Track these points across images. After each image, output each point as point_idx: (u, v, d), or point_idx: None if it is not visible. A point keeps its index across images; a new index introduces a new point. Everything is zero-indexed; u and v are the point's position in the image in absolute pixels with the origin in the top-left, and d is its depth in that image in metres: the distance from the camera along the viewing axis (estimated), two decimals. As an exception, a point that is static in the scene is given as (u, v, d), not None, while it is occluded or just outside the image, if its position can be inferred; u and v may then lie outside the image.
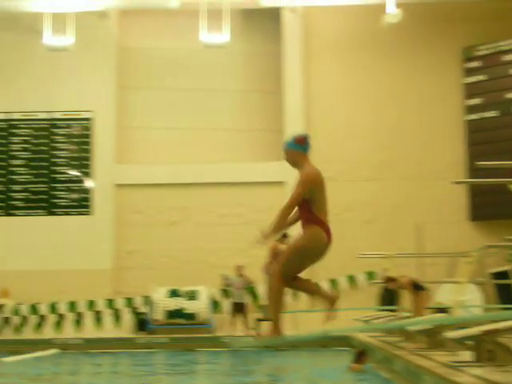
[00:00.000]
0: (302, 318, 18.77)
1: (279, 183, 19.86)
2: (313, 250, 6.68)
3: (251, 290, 19.23)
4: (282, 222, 6.69)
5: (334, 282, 20.20)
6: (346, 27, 21.28)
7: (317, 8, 20.84)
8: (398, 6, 19.17)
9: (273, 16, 21.08)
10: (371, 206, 20.70)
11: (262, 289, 18.92)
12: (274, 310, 6.74)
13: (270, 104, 21.33)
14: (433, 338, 9.56)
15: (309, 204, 6.69)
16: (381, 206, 20.69)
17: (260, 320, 17.98)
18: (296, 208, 6.84)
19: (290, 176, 20.27)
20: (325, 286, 20.14)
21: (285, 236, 15.79)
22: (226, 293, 19.51)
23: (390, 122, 21.03)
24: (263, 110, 21.38)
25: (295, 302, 19.58)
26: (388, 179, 20.80)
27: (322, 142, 20.75)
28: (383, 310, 16.08)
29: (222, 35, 19.59)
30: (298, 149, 6.89)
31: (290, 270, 6.68)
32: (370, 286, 19.73)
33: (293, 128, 20.29)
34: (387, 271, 17.99)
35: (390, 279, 13.01)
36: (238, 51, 21.34)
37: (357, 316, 16.11)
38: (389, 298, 16.51)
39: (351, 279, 20.24)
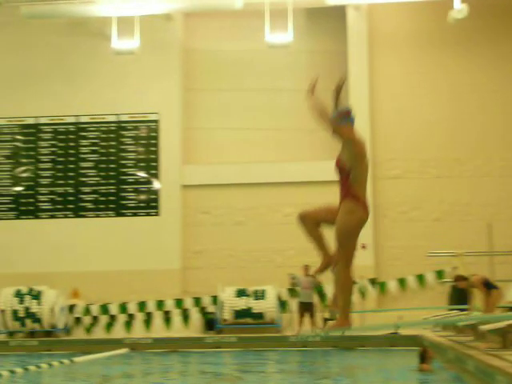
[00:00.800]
0: (368, 317, 18.65)
1: (345, 182, 19.74)
2: (355, 226, 6.61)
3: (318, 290, 19.17)
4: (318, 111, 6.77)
5: (402, 282, 19.97)
6: (410, 24, 21.03)
7: (382, 5, 20.65)
8: (464, 1, 18.82)
9: (337, 14, 20.97)
10: (440, 203, 20.41)
11: (329, 289, 18.86)
12: (345, 300, 6.70)
13: (336, 102, 21.16)
14: (505, 337, 9.38)
15: (348, 176, 6.63)
16: (449, 204, 20.38)
17: (327, 319, 17.90)
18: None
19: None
20: (393, 285, 19.95)
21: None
22: (293, 292, 19.48)
23: (458, 119, 20.70)
24: (329, 108, 21.21)
25: (363, 301, 19.48)
26: (457, 177, 20.47)
27: (388, 140, 20.61)
28: (453, 309, 15.86)
29: (286, 35, 19.55)
30: (343, 122, 6.84)
31: (349, 251, 6.64)
32: (440, 285, 19.47)
33: (358, 126, 20.15)
34: (457, 270, 17.73)
35: (460, 278, 12.83)
36: (302, 50, 21.29)
37: (426, 315, 15.93)
38: (459, 297, 16.25)
39: (420, 278, 19.96)
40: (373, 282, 19.88)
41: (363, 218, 6.66)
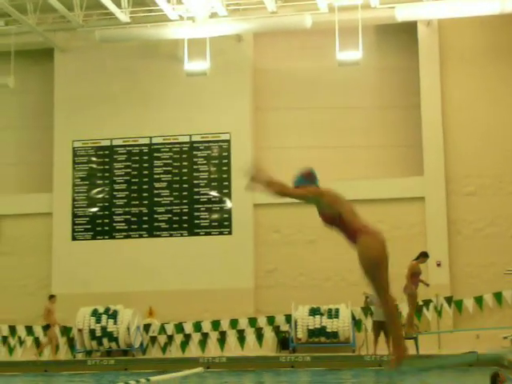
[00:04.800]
0: (444, 338, 18.30)
1: (419, 199, 19.50)
2: (370, 258, 6.49)
3: (393, 308, 18.89)
4: (270, 188, 6.86)
5: (479, 300, 19.55)
6: (482, 38, 20.70)
7: (452, 20, 20.35)
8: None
9: (408, 30, 20.80)
10: (517, 219, 19.97)
11: (404, 308, 18.61)
12: (396, 328, 6.61)
13: (407, 119, 21.00)
14: None
15: (342, 222, 6.62)
16: (527, 220, 19.94)
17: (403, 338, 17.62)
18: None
19: (431, 191, 19.89)
20: (469, 303, 19.52)
21: (425, 255, 15.52)
22: (367, 311, 19.27)
23: (534, 133, 20.27)
24: (400, 125, 21.06)
25: (439, 320, 19.17)
26: (533, 192, 20.02)
27: (461, 156, 20.28)
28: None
29: (356, 52, 19.46)
30: (307, 183, 6.92)
31: (379, 282, 6.54)
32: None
33: (432, 142, 19.99)
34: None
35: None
36: (372, 67, 21.16)
37: (505, 334, 15.58)
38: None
39: (498, 296, 19.51)
40: (449, 300, 19.53)
41: (374, 245, 6.53)
